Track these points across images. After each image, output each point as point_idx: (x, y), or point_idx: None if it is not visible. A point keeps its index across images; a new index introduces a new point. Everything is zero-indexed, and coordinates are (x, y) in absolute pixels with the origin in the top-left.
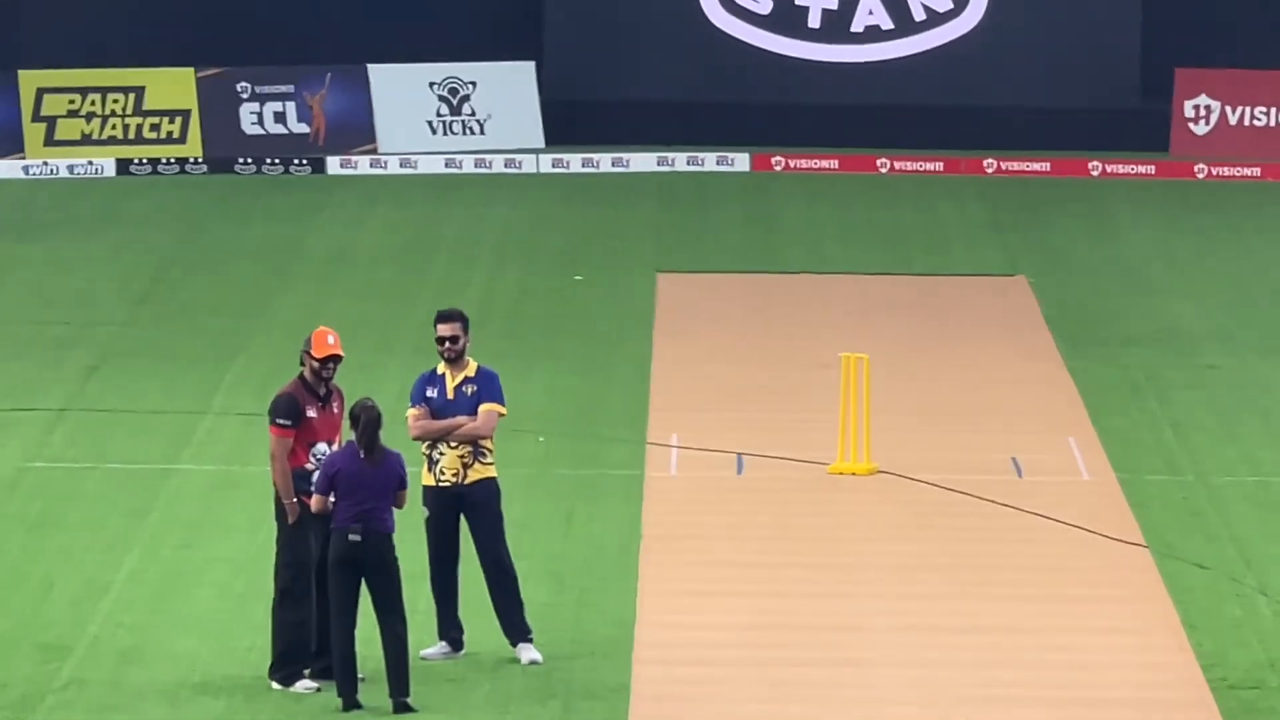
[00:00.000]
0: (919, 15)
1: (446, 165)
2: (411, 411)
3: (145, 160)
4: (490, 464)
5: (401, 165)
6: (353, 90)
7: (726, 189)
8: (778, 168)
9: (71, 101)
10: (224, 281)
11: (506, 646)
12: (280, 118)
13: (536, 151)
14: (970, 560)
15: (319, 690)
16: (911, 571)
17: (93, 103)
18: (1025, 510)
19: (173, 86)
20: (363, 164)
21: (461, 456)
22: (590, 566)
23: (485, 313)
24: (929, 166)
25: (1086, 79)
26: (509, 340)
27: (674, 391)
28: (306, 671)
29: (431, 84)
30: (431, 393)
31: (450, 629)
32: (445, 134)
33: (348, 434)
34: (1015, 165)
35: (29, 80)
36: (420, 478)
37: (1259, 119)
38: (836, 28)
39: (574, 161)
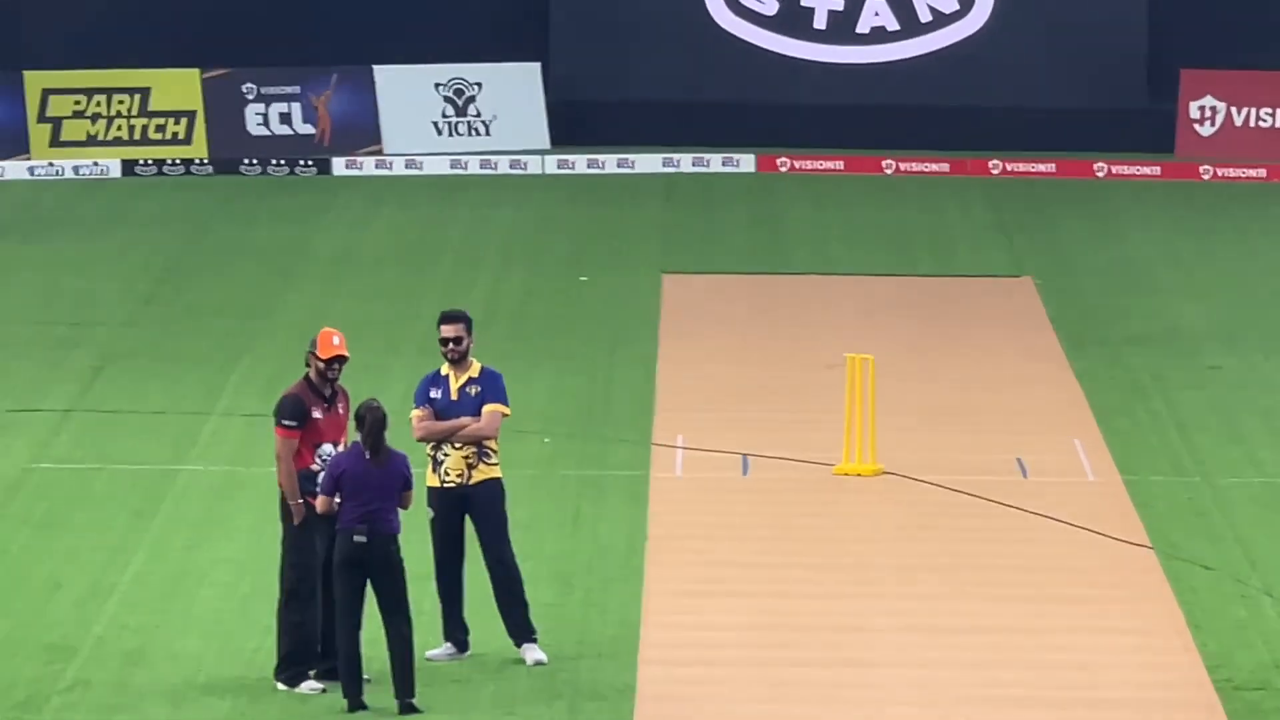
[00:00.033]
0: (925, 16)
1: (452, 166)
2: (415, 413)
3: (150, 161)
4: (495, 465)
5: (407, 166)
6: (358, 91)
7: (732, 190)
8: (783, 169)
9: (77, 102)
10: (229, 282)
11: (511, 647)
12: (285, 119)
13: (542, 152)
14: (974, 561)
15: (324, 691)
16: (915, 572)
17: (98, 104)
18: (1030, 511)
19: (178, 87)
20: (368, 165)
21: (466, 457)
22: (595, 567)
23: (490, 314)
24: (934, 167)
25: (1092, 80)
26: (514, 341)
27: (679, 392)
28: (312, 672)
29: (437, 85)
30: (435, 394)
31: (455, 630)
32: (450, 135)
33: (353, 435)
34: (1021, 166)
35: (34, 81)
36: (425, 479)
37: (1264, 120)
38: (842, 29)
39: (579, 162)
